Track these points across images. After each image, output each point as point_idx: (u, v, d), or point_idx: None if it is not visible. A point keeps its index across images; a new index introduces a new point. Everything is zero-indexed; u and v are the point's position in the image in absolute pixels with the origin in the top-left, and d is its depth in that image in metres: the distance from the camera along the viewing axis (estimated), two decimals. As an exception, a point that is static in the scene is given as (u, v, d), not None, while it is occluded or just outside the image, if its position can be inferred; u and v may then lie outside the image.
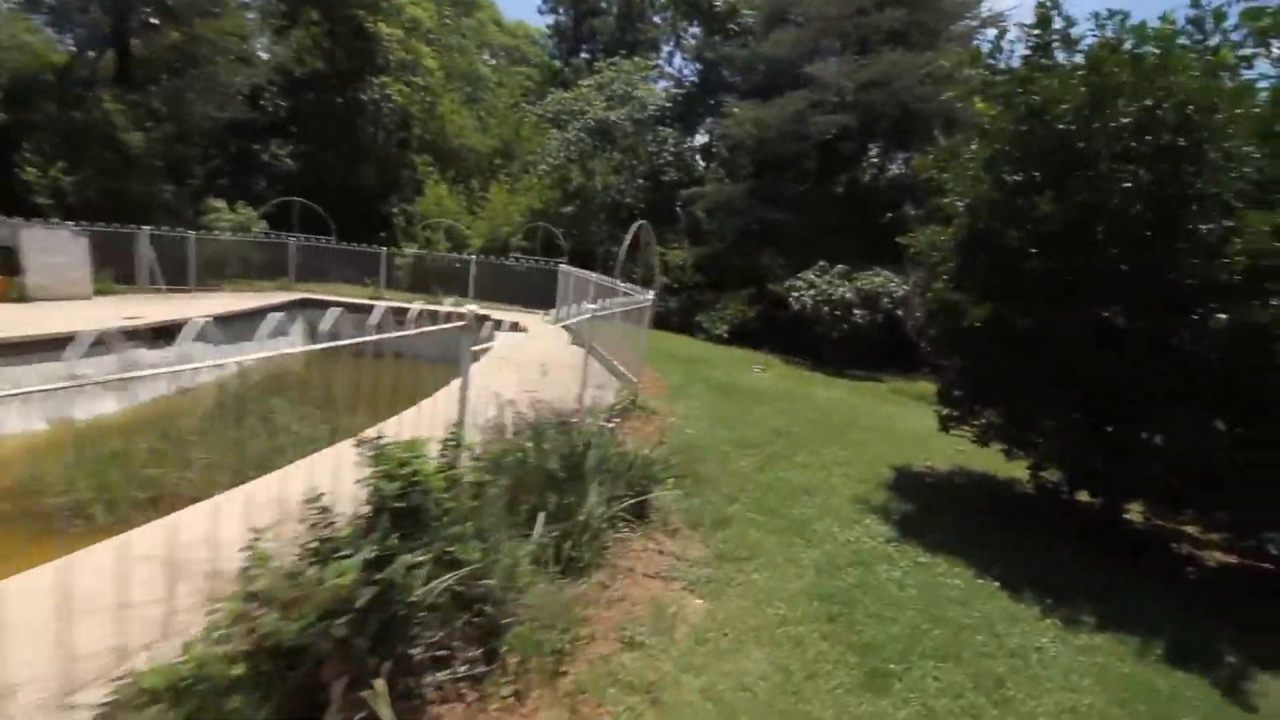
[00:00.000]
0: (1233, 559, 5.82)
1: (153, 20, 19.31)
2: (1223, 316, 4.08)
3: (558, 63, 34.39)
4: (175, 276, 15.38)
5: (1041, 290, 4.91)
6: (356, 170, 26.31)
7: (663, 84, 27.19)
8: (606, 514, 4.34)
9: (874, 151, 23.84)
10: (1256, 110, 4.52)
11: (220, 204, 18.76)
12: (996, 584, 4.46)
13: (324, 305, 16.32)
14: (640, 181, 22.02)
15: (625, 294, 11.28)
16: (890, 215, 19.96)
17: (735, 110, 20.69)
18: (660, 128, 22.81)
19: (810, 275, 17.91)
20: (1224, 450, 4.40)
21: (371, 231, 23.95)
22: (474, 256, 19.43)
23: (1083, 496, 6.00)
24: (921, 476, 7.39)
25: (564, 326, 12.73)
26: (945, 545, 5.04)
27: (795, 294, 17.83)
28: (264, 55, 26.92)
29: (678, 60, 32.35)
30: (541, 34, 40.51)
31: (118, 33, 19.68)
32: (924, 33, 20.01)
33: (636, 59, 24.63)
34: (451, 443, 3.37)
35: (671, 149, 22.69)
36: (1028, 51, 5.36)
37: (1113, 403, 4.67)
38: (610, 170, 21.82)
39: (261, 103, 25.81)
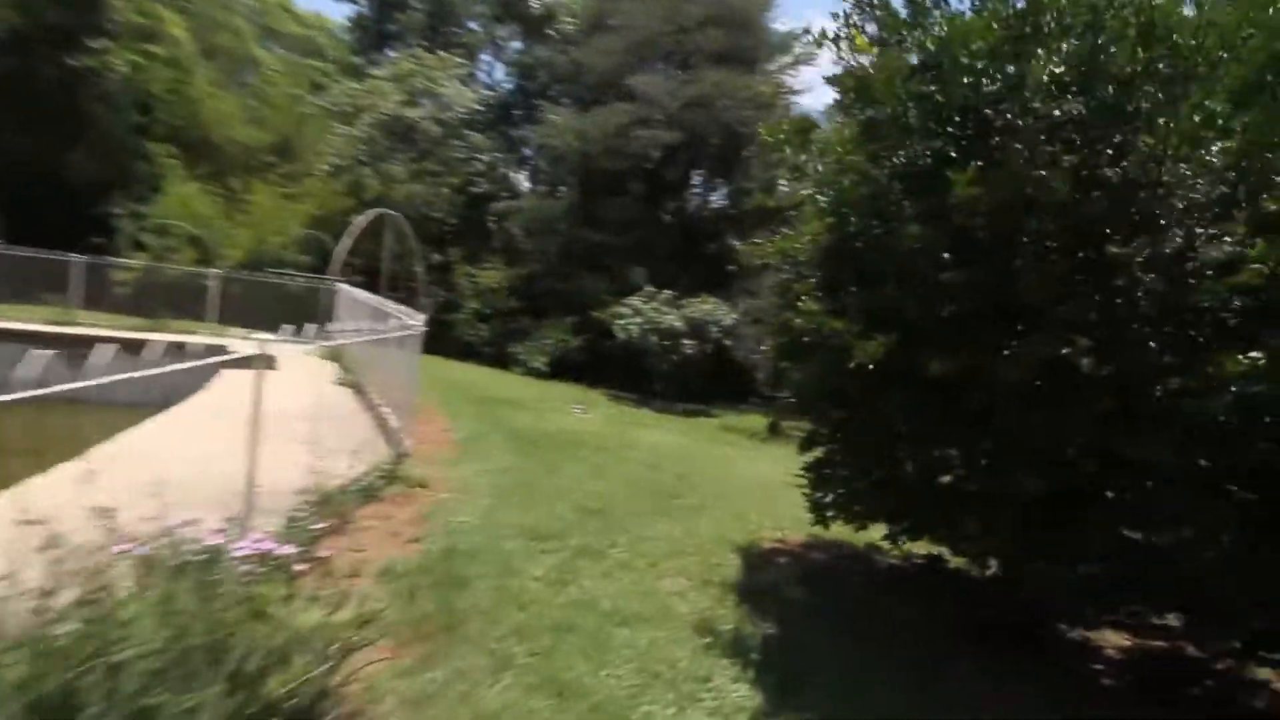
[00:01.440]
0: (1127, 640, 4.70)
1: None
2: (1256, 355, 2.63)
3: (357, 59, 30.25)
4: None
5: (966, 316, 3.30)
6: (66, 157, 20.31)
7: (482, 93, 24.71)
8: None
9: (697, 181, 23.54)
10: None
11: None
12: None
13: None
14: (445, 191, 19.16)
15: (397, 318, 8.62)
16: (713, 246, 19.60)
17: (554, 117, 18.82)
18: (470, 133, 20.18)
19: (636, 301, 16.35)
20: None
21: (85, 236, 18.53)
22: (218, 271, 15.23)
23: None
24: (774, 559, 5.63)
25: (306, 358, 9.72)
26: (834, 714, 3.16)
27: (620, 321, 16.13)
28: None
29: (499, 72, 30.09)
30: (341, 28, 35.85)
31: None
32: (743, 60, 19.89)
33: (442, 54, 21.81)
34: None
35: (483, 158, 20.15)
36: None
37: (1077, 485, 3.13)
38: (410, 177, 18.73)
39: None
